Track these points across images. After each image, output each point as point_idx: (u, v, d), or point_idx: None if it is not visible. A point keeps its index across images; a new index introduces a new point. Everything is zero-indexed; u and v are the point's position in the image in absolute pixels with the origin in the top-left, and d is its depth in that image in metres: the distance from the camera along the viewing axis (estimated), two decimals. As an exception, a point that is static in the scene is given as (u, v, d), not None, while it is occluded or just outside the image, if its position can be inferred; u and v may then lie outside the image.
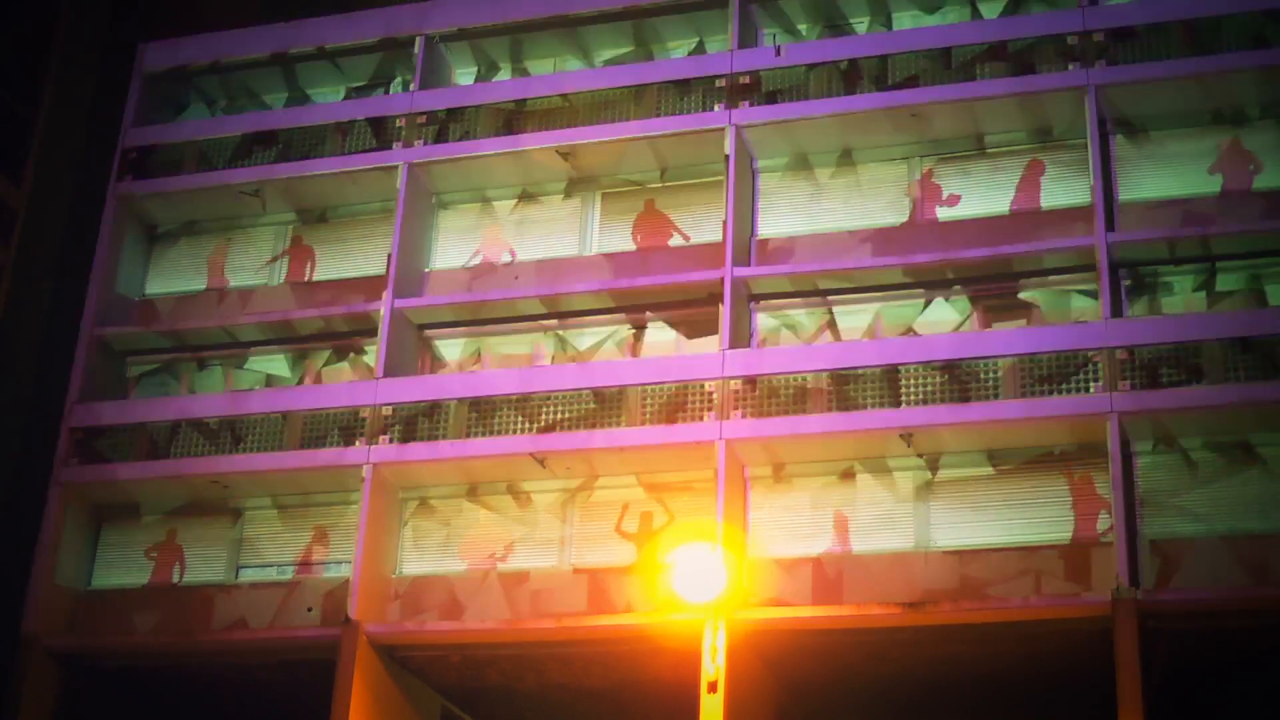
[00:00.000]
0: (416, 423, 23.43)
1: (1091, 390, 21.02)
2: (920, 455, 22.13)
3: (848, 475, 22.52)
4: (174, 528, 25.01)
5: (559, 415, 22.89)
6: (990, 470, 22.02)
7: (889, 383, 21.80)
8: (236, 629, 23.65)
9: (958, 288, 23.09)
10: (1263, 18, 22.47)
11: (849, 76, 23.83)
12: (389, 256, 24.86)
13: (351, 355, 25.40)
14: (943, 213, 23.66)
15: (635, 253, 24.68)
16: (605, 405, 22.75)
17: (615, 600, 22.47)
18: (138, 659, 24.09)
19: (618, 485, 23.31)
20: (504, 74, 26.90)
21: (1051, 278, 22.74)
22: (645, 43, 26.24)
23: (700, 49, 25.81)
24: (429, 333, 25.14)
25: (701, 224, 24.58)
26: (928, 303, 23.19)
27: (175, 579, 24.62)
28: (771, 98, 24.04)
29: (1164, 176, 22.93)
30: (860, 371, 21.98)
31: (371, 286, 25.29)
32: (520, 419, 23.03)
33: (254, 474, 24.01)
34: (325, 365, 25.51)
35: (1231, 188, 22.56)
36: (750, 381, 22.34)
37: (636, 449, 22.56)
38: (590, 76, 25.26)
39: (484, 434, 23.09)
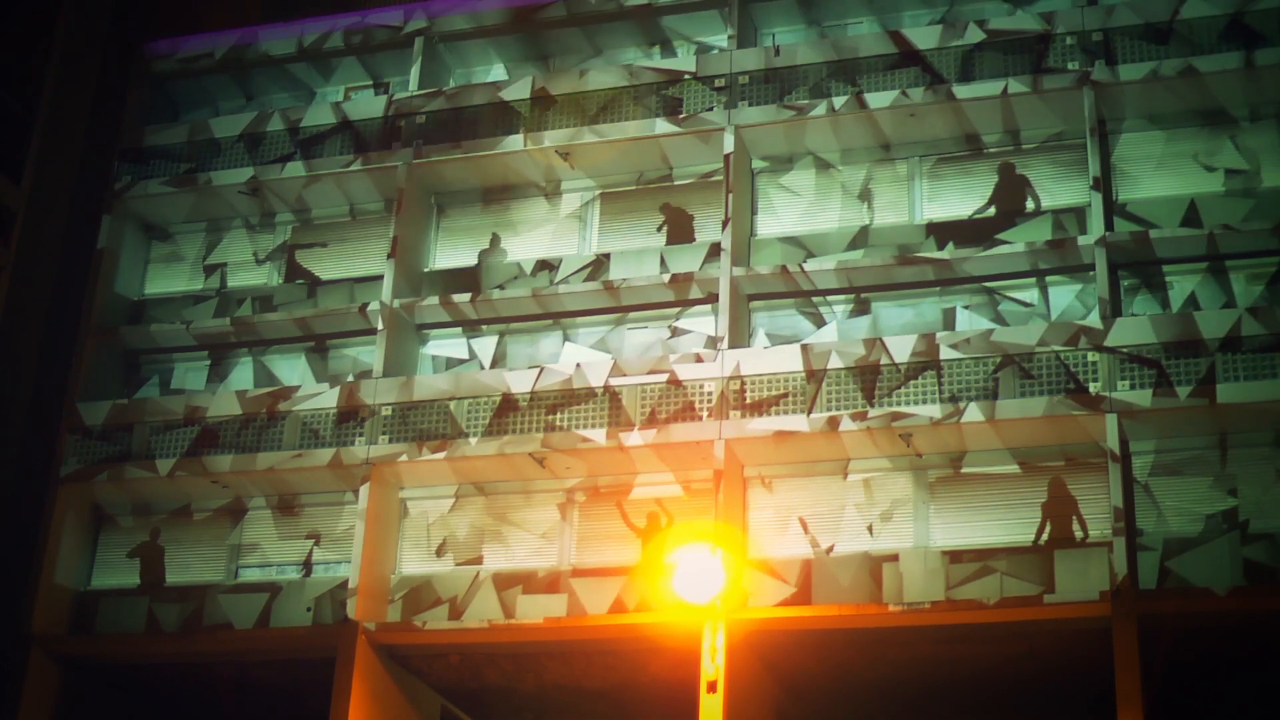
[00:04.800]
0: (416, 422, 23.43)
1: (1091, 390, 21.03)
2: (920, 455, 22.14)
3: (847, 474, 22.53)
4: (173, 527, 25.01)
5: (558, 415, 22.89)
6: (990, 469, 22.01)
7: (889, 382, 21.80)
8: (236, 629, 23.66)
9: (956, 287, 23.12)
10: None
11: (847, 76, 23.84)
12: (389, 256, 24.87)
13: (349, 354, 25.45)
14: (942, 212, 23.67)
15: (635, 252, 24.68)
16: (605, 405, 22.74)
17: (615, 600, 22.46)
18: (137, 659, 24.09)
19: (618, 485, 23.32)
20: (504, 74, 26.91)
21: (1049, 277, 22.78)
22: (645, 43, 26.27)
23: (700, 49, 25.86)
24: (428, 332, 25.17)
25: (700, 223, 24.60)
26: (926, 302, 23.22)
27: (175, 579, 24.62)
28: (771, 97, 24.07)
29: (1164, 176, 22.94)
30: (860, 371, 21.98)
31: (371, 286, 25.31)
32: (520, 418, 23.04)
33: (254, 474, 24.01)
34: (324, 363, 25.52)
35: (1233, 187, 22.58)
36: (750, 381, 22.34)
37: (636, 449, 22.56)
38: (589, 76, 25.24)
39: (483, 434, 23.09)
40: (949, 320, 23.03)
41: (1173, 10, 22.82)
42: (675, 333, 24.07)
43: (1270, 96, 22.63)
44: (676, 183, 24.97)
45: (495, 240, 25.52)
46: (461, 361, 24.93)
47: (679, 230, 24.68)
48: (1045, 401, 21.13)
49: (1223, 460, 21.21)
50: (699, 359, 22.69)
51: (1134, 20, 22.98)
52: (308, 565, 24.18)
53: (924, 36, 23.86)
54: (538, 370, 23.46)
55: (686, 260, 24.31)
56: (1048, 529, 21.41)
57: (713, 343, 23.24)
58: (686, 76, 24.61)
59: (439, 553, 23.68)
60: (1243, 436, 21.12)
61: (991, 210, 23.29)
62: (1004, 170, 23.50)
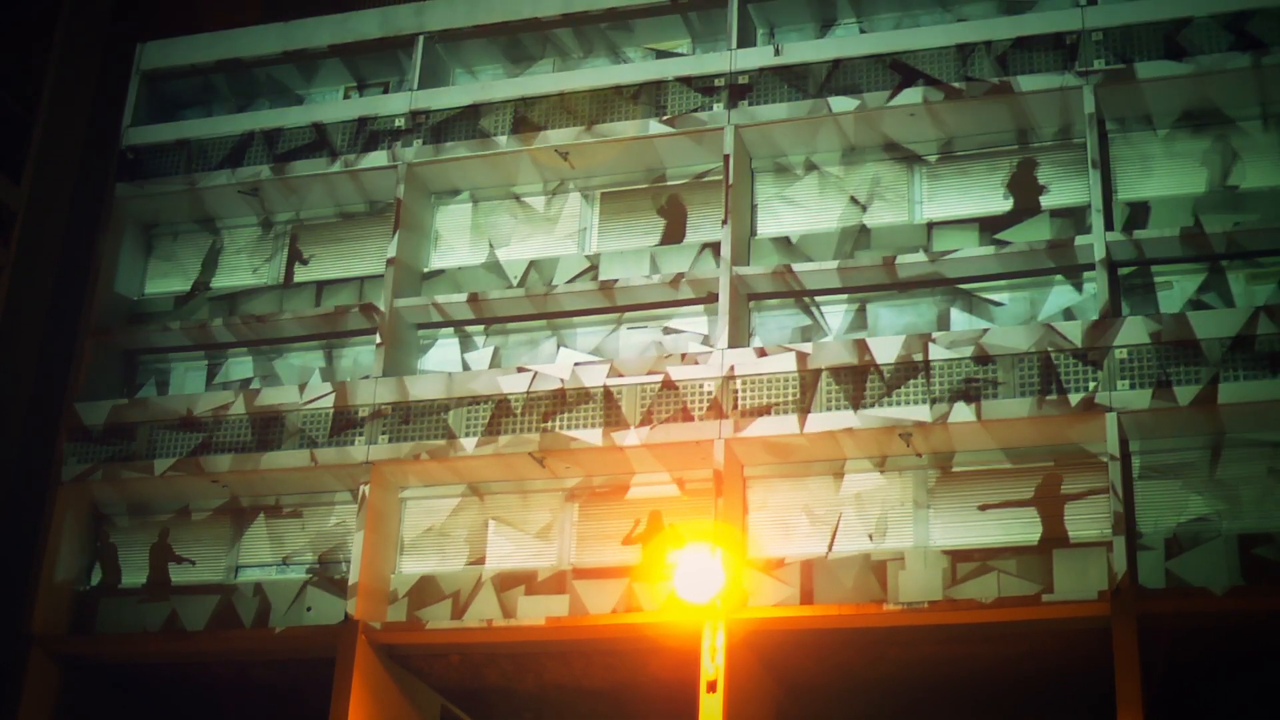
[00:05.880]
0: (416, 422, 23.43)
1: (1090, 389, 21.03)
2: (919, 454, 22.13)
3: (846, 475, 22.52)
4: (173, 528, 25.03)
5: (558, 415, 22.89)
6: (990, 469, 22.01)
7: (887, 382, 21.80)
8: (236, 628, 23.67)
9: (956, 287, 23.12)
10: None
11: (846, 76, 23.83)
12: (388, 256, 24.87)
13: (349, 355, 25.46)
14: (941, 212, 23.67)
15: (633, 252, 24.67)
16: (604, 404, 22.74)
17: (615, 600, 22.47)
18: (137, 659, 24.11)
19: (617, 485, 23.31)
20: (503, 74, 26.90)
21: (1049, 277, 22.78)
22: (644, 43, 26.27)
23: (699, 49, 25.87)
24: (427, 333, 25.17)
25: (700, 223, 24.60)
26: (924, 303, 23.21)
27: (175, 579, 24.64)
28: (770, 97, 24.07)
29: (1163, 176, 22.94)
30: (859, 371, 21.98)
31: (370, 286, 25.31)
32: (519, 418, 23.04)
33: (254, 474, 24.02)
34: (323, 364, 25.52)
35: (1229, 187, 22.57)
36: (749, 381, 22.33)
37: (636, 448, 22.55)
38: (589, 76, 25.24)
39: (482, 434, 23.09)
40: (946, 321, 23.02)
41: (1177, 11, 22.80)
42: (671, 332, 24.03)
43: (1274, 97, 22.63)
44: (675, 182, 24.96)
45: (495, 239, 25.50)
46: (460, 362, 24.92)
47: (677, 229, 24.67)
48: (1045, 400, 21.11)
49: (1220, 460, 21.20)
50: (694, 360, 22.67)
51: (1138, 20, 22.94)
52: (308, 565, 24.18)
53: (922, 37, 23.85)
54: (535, 371, 23.44)
55: (685, 260, 24.31)
56: (1045, 528, 21.44)
57: (709, 342, 23.24)
58: (687, 76, 24.59)
59: (439, 552, 23.67)
60: (1241, 436, 21.12)
61: (1009, 207, 23.27)
62: (1015, 169, 23.48)
